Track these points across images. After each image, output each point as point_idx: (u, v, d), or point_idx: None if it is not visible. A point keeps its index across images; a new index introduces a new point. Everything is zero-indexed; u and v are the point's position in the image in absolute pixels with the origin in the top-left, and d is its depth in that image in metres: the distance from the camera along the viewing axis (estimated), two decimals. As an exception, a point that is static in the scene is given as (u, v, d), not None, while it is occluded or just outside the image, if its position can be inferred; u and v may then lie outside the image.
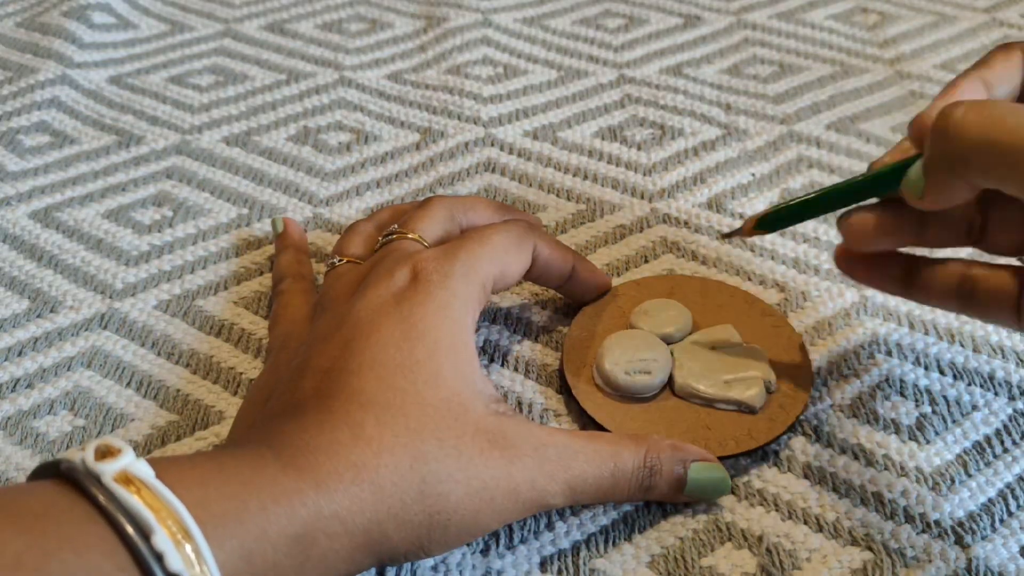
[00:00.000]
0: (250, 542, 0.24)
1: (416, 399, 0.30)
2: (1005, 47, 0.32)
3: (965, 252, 0.42)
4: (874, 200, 0.33)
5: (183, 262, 0.45)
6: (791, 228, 0.46)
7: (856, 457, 0.35)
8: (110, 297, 0.43)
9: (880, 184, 0.32)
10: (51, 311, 0.42)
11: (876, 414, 0.37)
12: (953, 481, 0.35)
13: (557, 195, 0.49)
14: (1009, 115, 0.26)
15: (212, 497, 0.24)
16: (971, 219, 0.33)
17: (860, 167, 0.51)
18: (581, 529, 0.33)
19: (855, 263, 0.35)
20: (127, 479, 0.23)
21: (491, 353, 0.40)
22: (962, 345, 0.40)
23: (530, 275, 0.38)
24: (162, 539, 0.22)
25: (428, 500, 0.28)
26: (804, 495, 0.34)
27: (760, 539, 0.33)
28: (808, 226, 0.47)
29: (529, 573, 0.32)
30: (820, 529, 0.33)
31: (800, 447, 0.36)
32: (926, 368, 0.39)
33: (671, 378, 0.37)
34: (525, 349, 0.40)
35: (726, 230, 0.46)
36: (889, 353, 0.40)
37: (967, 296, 0.34)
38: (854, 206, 0.33)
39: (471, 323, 0.34)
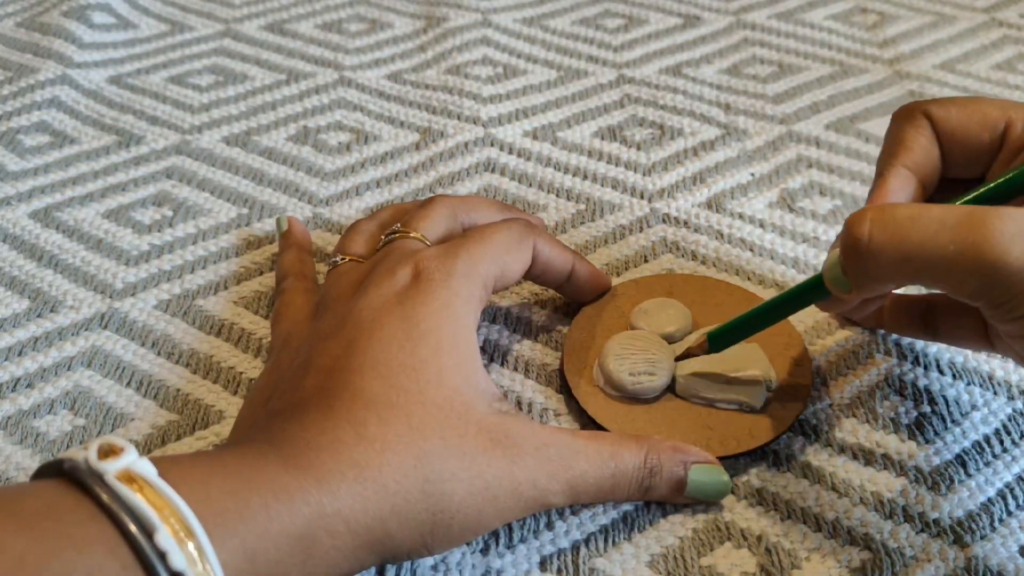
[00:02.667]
0: (252, 540, 0.25)
1: (419, 398, 0.30)
2: (909, 116, 0.32)
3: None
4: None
5: (183, 262, 0.45)
6: (791, 228, 0.47)
7: (855, 456, 0.36)
8: (110, 297, 0.43)
9: (819, 289, 0.32)
10: (51, 311, 0.42)
11: (876, 414, 0.37)
12: (952, 481, 0.35)
13: (557, 195, 0.49)
14: (912, 228, 0.27)
15: (215, 495, 0.24)
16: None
17: (860, 167, 0.51)
18: (581, 528, 0.33)
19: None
20: (130, 477, 0.23)
21: (491, 353, 0.40)
22: (961, 345, 0.40)
23: (530, 274, 0.39)
24: (165, 537, 0.22)
25: (431, 499, 0.28)
26: (804, 495, 0.34)
27: (760, 539, 0.33)
28: (808, 226, 0.47)
29: (529, 572, 0.32)
30: (819, 529, 0.33)
31: (800, 447, 0.36)
32: (925, 368, 0.39)
33: (672, 378, 0.37)
34: (525, 349, 0.40)
35: (722, 230, 0.45)
36: (888, 353, 0.40)
37: (933, 331, 0.37)
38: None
39: (473, 322, 0.34)
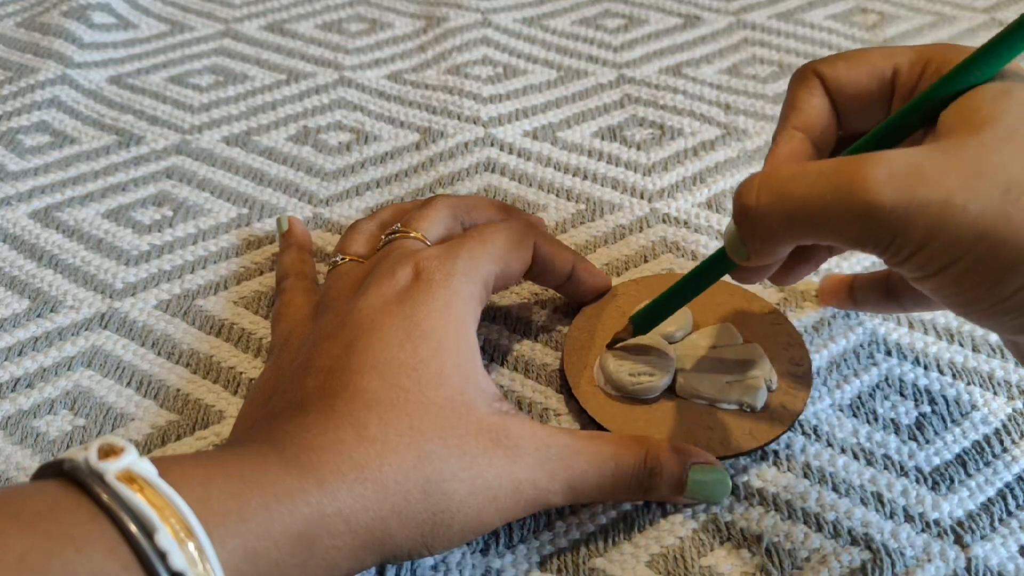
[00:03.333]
0: (253, 540, 0.24)
1: (419, 398, 0.30)
2: (800, 77, 0.32)
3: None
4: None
5: (183, 262, 0.45)
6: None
7: (856, 457, 0.36)
8: (110, 297, 0.43)
9: (724, 260, 0.33)
10: (51, 311, 0.42)
11: (876, 414, 0.37)
12: (952, 481, 0.35)
13: (557, 195, 0.49)
14: (793, 184, 0.27)
15: (215, 496, 0.24)
16: None
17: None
18: (581, 528, 0.33)
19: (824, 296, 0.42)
20: (130, 478, 0.23)
21: (491, 353, 0.40)
22: (961, 345, 0.40)
23: (530, 274, 0.39)
24: (165, 537, 0.22)
25: (432, 499, 0.28)
26: (804, 495, 0.34)
27: (760, 539, 0.33)
28: (808, 226, 0.47)
29: (529, 572, 0.32)
30: (820, 529, 0.33)
31: (800, 447, 0.36)
32: (925, 368, 0.39)
33: (673, 378, 0.37)
34: (525, 349, 0.40)
35: (722, 230, 0.46)
36: (889, 353, 0.40)
37: (897, 301, 0.38)
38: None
39: (473, 322, 0.34)
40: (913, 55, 0.31)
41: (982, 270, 0.26)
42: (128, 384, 0.39)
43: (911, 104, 0.29)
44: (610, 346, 0.38)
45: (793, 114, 0.32)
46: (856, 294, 0.40)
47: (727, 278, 0.44)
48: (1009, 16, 0.67)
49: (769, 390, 0.37)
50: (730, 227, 0.31)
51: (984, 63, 0.28)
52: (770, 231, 0.28)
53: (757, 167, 0.51)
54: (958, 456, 0.36)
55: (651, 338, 0.38)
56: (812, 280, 0.43)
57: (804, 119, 0.32)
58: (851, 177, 0.26)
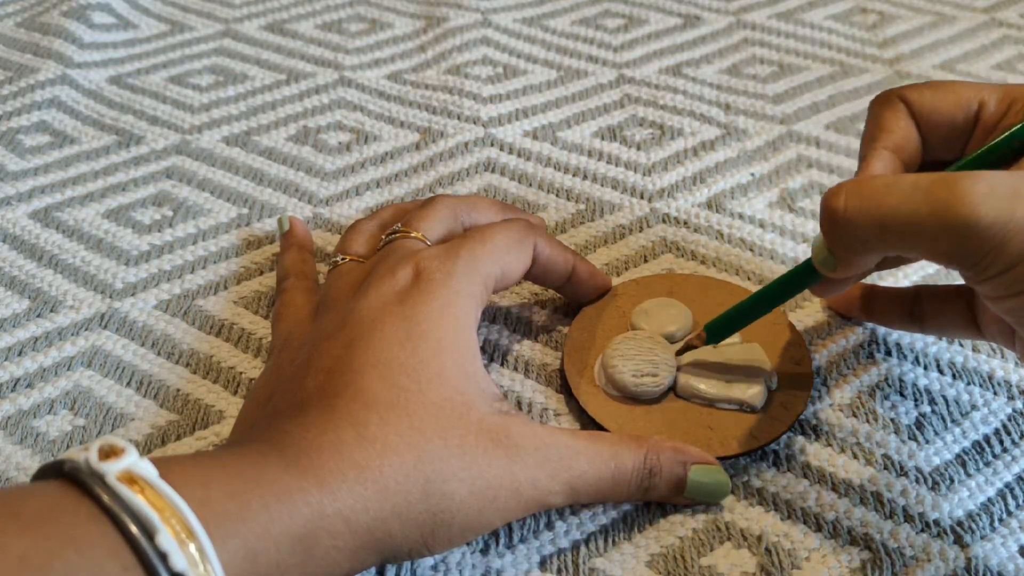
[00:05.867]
0: (253, 541, 0.25)
1: (420, 398, 0.30)
2: (886, 101, 0.33)
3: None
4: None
5: (183, 262, 0.45)
6: (791, 228, 0.47)
7: (856, 457, 0.36)
8: (110, 297, 0.43)
9: (810, 273, 0.33)
10: (51, 311, 0.42)
11: (876, 414, 0.37)
12: (952, 480, 0.35)
13: (557, 195, 0.49)
14: (886, 193, 0.28)
15: (215, 496, 0.24)
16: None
17: (859, 167, 0.51)
18: (581, 528, 0.33)
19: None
20: (131, 479, 0.23)
21: (491, 353, 0.40)
22: (961, 345, 0.40)
23: (531, 274, 0.39)
24: (166, 538, 0.22)
25: (432, 499, 0.28)
26: (804, 495, 0.34)
27: (760, 539, 0.33)
28: (808, 226, 0.47)
29: (529, 572, 0.32)
30: (820, 529, 0.33)
31: (800, 447, 0.36)
32: (925, 368, 0.39)
33: (674, 379, 0.37)
34: (525, 349, 0.40)
35: (722, 230, 0.46)
36: (889, 353, 0.40)
37: (920, 321, 0.38)
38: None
39: (473, 322, 0.34)
40: (1000, 92, 0.32)
41: None
42: (128, 384, 0.39)
43: (1008, 135, 0.30)
44: (680, 352, 0.37)
45: (882, 135, 0.32)
46: (875, 306, 0.40)
47: (729, 276, 0.44)
48: (1009, 16, 0.67)
49: (769, 390, 0.37)
50: (818, 238, 0.31)
51: None
52: (856, 239, 0.28)
53: (757, 167, 0.51)
54: (958, 456, 0.36)
55: (653, 338, 0.38)
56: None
57: (894, 140, 0.32)
58: (950, 191, 0.26)
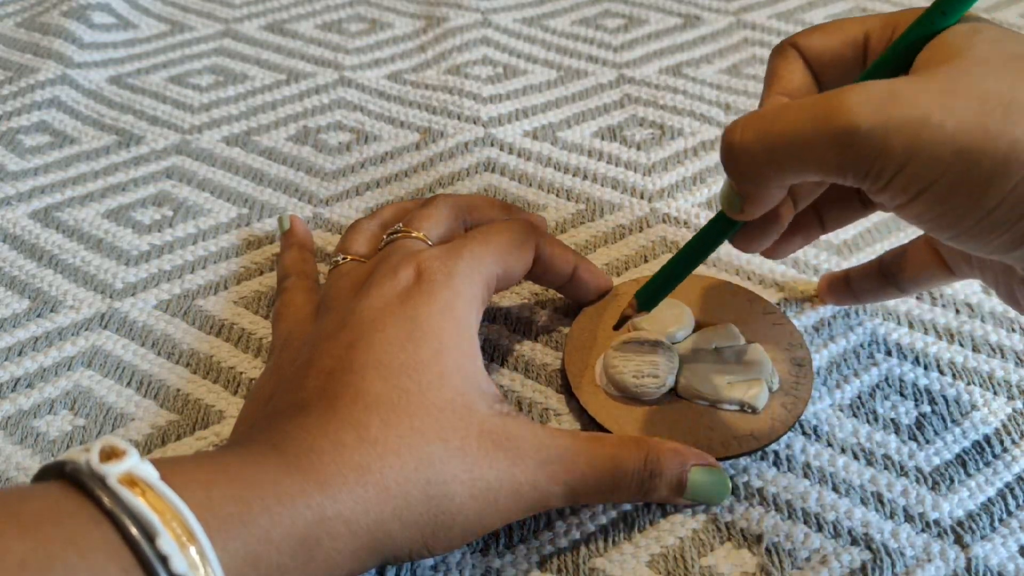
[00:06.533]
0: (254, 544, 0.24)
1: (421, 400, 0.30)
2: (779, 51, 0.33)
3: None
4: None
5: (183, 262, 0.45)
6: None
7: (856, 457, 0.36)
8: (110, 297, 0.43)
9: (722, 222, 0.33)
10: (51, 311, 0.42)
11: (876, 414, 0.37)
12: (952, 481, 0.35)
13: (557, 195, 0.49)
14: (775, 119, 0.28)
15: (216, 499, 0.24)
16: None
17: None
18: (580, 528, 0.33)
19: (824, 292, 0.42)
20: (132, 481, 0.23)
21: (491, 353, 0.40)
22: (961, 345, 0.40)
23: (532, 275, 0.39)
24: (167, 541, 0.22)
25: (433, 501, 0.28)
26: (804, 495, 0.34)
27: (760, 539, 0.33)
28: (808, 226, 0.47)
29: (529, 572, 0.32)
30: (820, 529, 0.33)
31: (800, 447, 0.36)
32: (925, 368, 0.39)
33: (675, 379, 0.37)
34: (525, 349, 0.40)
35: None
36: (889, 353, 0.40)
37: (895, 283, 0.38)
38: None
39: (475, 322, 0.34)
40: (883, 21, 0.32)
41: (964, 185, 0.26)
42: (128, 384, 0.39)
43: (885, 54, 0.30)
44: (617, 327, 0.37)
45: (775, 82, 0.33)
46: (854, 286, 0.40)
47: (730, 276, 0.44)
48: (1008, 16, 0.67)
49: (770, 391, 0.37)
50: (725, 183, 0.31)
51: (949, 7, 0.29)
52: (756, 167, 0.29)
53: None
54: (958, 456, 0.36)
55: (654, 339, 0.38)
56: (812, 280, 0.44)
57: (786, 85, 0.33)
58: (828, 104, 0.27)
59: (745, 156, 0.29)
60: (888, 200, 0.28)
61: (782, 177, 0.29)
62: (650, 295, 0.36)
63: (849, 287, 0.41)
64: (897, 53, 0.30)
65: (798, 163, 0.28)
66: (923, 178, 0.26)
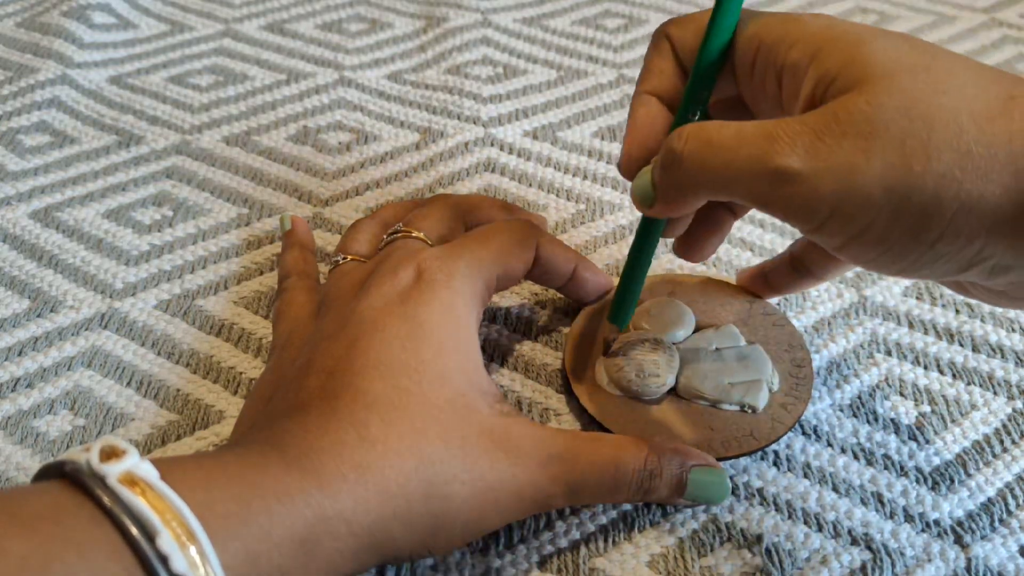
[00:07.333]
0: (254, 544, 0.24)
1: (421, 400, 0.30)
2: (654, 39, 0.33)
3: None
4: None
5: (183, 262, 0.45)
6: (791, 228, 0.47)
7: (856, 457, 0.36)
8: (110, 297, 0.43)
9: (648, 224, 0.35)
10: (51, 311, 0.42)
11: (876, 414, 0.37)
12: (952, 481, 0.35)
13: (557, 195, 0.49)
14: (719, 142, 0.28)
15: (216, 499, 0.24)
16: None
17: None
18: (580, 528, 0.33)
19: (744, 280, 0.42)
20: (132, 480, 0.23)
21: (491, 353, 0.40)
22: (961, 345, 0.40)
23: (532, 274, 0.39)
24: (167, 541, 0.22)
25: (433, 501, 0.28)
26: (804, 495, 0.34)
27: (760, 539, 0.33)
28: (808, 226, 0.47)
29: (529, 572, 0.32)
30: (820, 529, 0.33)
31: (800, 447, 0.36)
32: (925, 368, 0.39)
33: (676, 379, 0.37)
34: (526, 349, 0.40)
35: None
36: (889, 353, 0.40)
37: (809, 273, 0.39)
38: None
39: (475, 322, 0.34)
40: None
41: (900, 223, 0.26)
42: (128, 384, 0.39)
43: (693, 78, 0.31)
44: (605, 353, 0.38)
45: (646, 77, 0.33)
46: (771, 280, 0.40)
47: (728, 279, 0.44)
48: (1008, 16, 0.67)
49: (770, 391, 0.37)
50: (642, 174, 0.31)
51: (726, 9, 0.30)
52: (687, 178, 0.29)
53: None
54: (958, 456, 0.36)
55: (655, 339, 0.38)
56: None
57: (655, 84, 0.33)
58: (768, 138, 0.27)
59: (682, 166, 0.29)
60: (825, 241, 0.28)
61: (708, 195, 0.29)
62: (617, 312, 0.37)
63: (767, 281, 0.41)
64: (700, 75, 0.31)
65: (727, 190, 0.28)
66: (859, 220, 0.26)
